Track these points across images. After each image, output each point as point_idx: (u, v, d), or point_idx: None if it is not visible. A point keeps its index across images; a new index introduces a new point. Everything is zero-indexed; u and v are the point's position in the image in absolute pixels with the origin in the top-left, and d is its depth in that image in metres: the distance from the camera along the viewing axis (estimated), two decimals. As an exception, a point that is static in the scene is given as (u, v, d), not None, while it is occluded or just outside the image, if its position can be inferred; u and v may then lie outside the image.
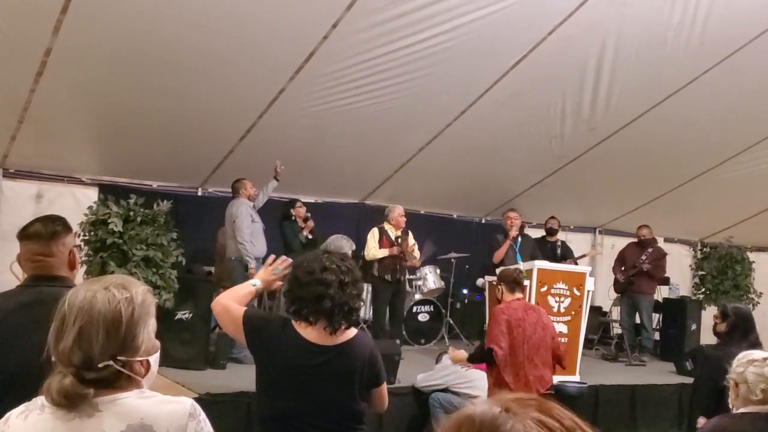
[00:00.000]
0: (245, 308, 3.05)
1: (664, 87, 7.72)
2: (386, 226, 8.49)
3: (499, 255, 8.58)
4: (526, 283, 7.24)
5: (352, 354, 2.95)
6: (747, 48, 7.05)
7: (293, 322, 2.94)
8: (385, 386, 3.13)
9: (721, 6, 6.57)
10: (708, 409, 4.00)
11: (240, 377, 6.46)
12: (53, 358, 1.73)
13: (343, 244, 6.19)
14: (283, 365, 2.88)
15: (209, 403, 5.17)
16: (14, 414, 1.74)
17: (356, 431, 2.99)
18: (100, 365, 1.69)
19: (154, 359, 1.82)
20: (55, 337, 1.72)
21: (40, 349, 2.33)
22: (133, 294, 1.77)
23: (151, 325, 1.81)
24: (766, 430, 2.85)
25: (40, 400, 1.73)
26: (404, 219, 8.50)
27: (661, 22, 6.72)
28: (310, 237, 8.29)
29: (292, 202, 8.54)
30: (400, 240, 8.37)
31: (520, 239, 8.78)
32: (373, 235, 8.39)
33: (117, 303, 1.73)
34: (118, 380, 1.73)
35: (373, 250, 8.29)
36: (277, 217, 8.42)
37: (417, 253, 8.55)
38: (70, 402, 1.67)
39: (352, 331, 2.98)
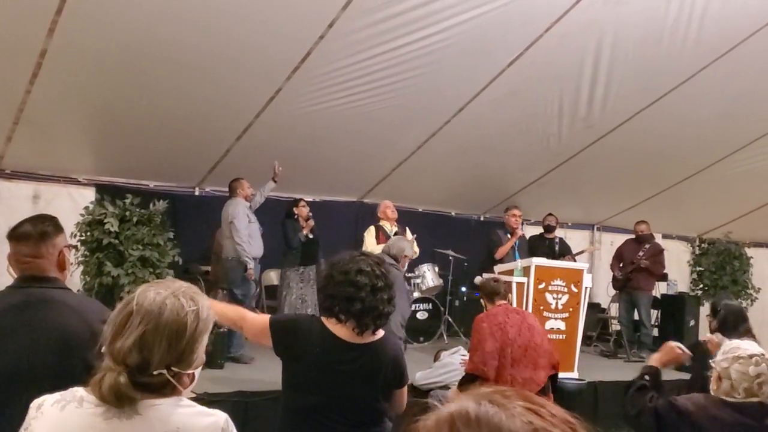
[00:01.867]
0: (269, 315, 3.09)
1: (660, 85, 7.72)
2: (381, 222, 8.51)
3: (503, 251, 8.68)
4: (523, 280, 7.31)
5: (380, 354, 3.00)
6: (743, 46, 7.05)
7: (322, 318, 2.99)
8: (406, 388, 3.17)
9: (717, 4, 6.57)
10: None
11: (238, 376, 6.48)
12: (103, 351, 1.73)
13: (405, 245, 6.20)
14: (311, 361, 2.92)
15: (207, 402, 5.14)
16: (48, 402, 1.73)
17: (378, 428, 3.04)
18: (154, 372, 1.70)
19: (198, 371, 1.84)
20: (114, 332, 1.72)
21: (29, 350, 2.34)
22: (200, 308, 1.78)
23: (206, 340, 1.83)
24: (740, 420, 2.85)
25: (78, 392, 1.73)
26: (391, 211, 8.48)
27: (656, 20, 6.71)
28: (311, 236, 8.29)
29: (295, 201, 8.54)
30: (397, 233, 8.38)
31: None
32: (370, 233, 8.42)
33: (185, 315, 1.74)
34: (163, 388, 1.74)
35: (371, 246, 8.30)
36: (277, 216, 8.42)
37: (416, 247, 8.51)
38: (118, 401, 1.68)
39: (380, 332, 3.03)
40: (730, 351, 2.97)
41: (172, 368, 1.72)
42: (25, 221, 2.61)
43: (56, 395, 1.74)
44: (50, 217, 2.68)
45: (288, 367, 3.00)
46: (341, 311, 2.92)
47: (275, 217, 8.37)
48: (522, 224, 9.40)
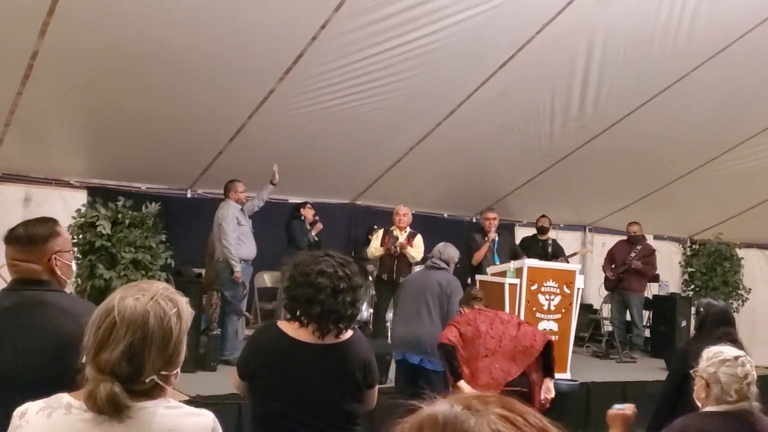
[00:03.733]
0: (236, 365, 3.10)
1: (652, 85, 7.75)
2: (393, 227, 8.51)
3: (478, 257, 8.54)
4: (516, 281, 7.34)
5: (348, 355, 2.95)
6: (734, 46, 7.09)
7: (280, 323, 2.97)
8: (377, 388, 3.15)
9: (708, 4, 6.61)
10: (669, 402, 4.04)
11: (230, 379, 6.45)
12: (84, 361, 1.70)
13: (454, 252, 6.34)
14: (271, 368, 2.89)
15: (200, 405, 5.13)
16: (32, 409, 1.70)
17: (349, 431, 3.00)
18: (147, 380, 1.70)
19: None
20: (98, 344, 1.69)
21: (24, 353, 2.33)
22: (180, 308, 1.78)
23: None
24: (736, 429, 2.86)
25: (64, 399, 1.70)
26: (400, 217, 8.41)
27: (648, 21, 6.75)
28: (316, 239, 8.36)
29: (302, 204, 8.70)
30: (394, 243, 8.36)
31: (497, 239, 8.66)
32: (377, 236, 8.45)
33: (168, 319, 1.73)
34: (153, 390, 1.74)
35: (373, 248, 8.32)
36: (270, 218, 8.41)
37: (414, 253, 8.47)
38: (116, 410, 1.66)
39: (348, 332, 2.98)
40: (714, 356, 2.98)
41: (162, 372, 1.72)
42: (21, 224, 2.58)
43: (39, 403, 1.71)
44: (48, 220, 2.62)
45: (252, 381, 2.98)
46: (302, 314, 2.87)
47: (268, 219, 8.36)
48: (513, 226, 9.39)
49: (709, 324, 4.48)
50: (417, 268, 9.30)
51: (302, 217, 8.55)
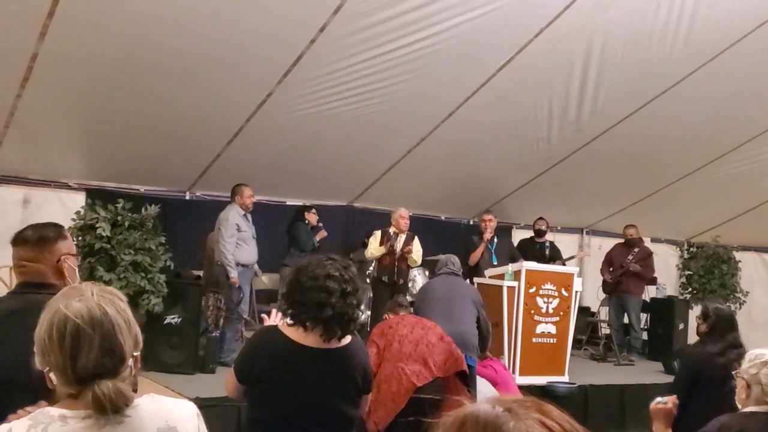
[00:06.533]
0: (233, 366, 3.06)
1: (649, 88, 7.78)
2: (391, 229, 8.52)
3: (474, 257, 8.59)
4: (514, 284, 7.37)
5: (350, 359, 2.96)
6: (731, 50, 7.12)
7: (282, 327, 2.94)
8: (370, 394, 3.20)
9: (706, 8, 6.64)
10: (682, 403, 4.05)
11: (226, 381, 6.45)
12: (54, 378, 1.67)
13: (459, 262, 6.62)
14: (281, 372, 2.86)
15: (199, 407, 5.14)
16: (19, 429, 1.63)
17: None
18: (128, 364, 1.71)
19: None
20: (70, 355, 1.65)
21: (27, 357, 2.32)
22: (115, 293, 1.79)
23: None
24: None
25: (52, 411, 1.65)
26: (404, 221, 8.45)
27: (646, 25, 6.77)
28: (318, 245, 8.42)
29: (306, 207, 8.75)
30: (395, 241, 8.38)
31: (496, 241, 8.77)
32: (375, 237, 8.45)
33: (118, 305, 1.74)
34: (125, 379, 1.72)
35: (372, 248, 8.34)
36: (267, 221, 8.40)
37: (416, 256, 8.50)
38: (125, 403, 1.66)
39: (348, 337, 2.97)
40: (756, 358, 3.02)
41: (134, 354, 1.73)
42: (29, 226, 2.60)
43: (24, 421, 1.65)
44: (55, 224, 2.64)
45: (254, 385, 2.93)
46: (309, 318, 2.83)
47: (266, 221, 8.36)
48: (511, 229, 9.42)
49: (720, 329, 4.49)
50: (416, 270, 9.37)
51: (306, 221, 8.59)
